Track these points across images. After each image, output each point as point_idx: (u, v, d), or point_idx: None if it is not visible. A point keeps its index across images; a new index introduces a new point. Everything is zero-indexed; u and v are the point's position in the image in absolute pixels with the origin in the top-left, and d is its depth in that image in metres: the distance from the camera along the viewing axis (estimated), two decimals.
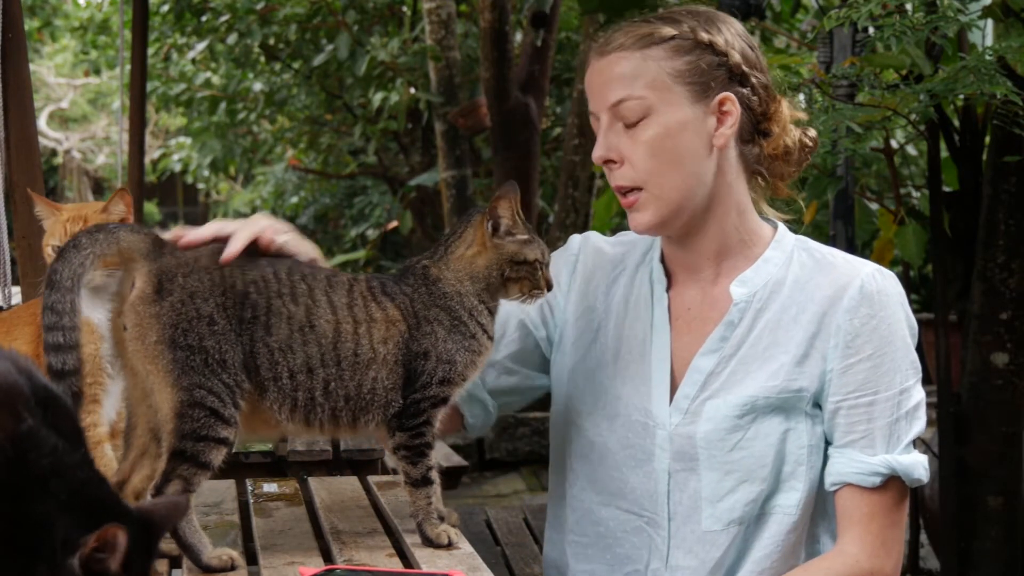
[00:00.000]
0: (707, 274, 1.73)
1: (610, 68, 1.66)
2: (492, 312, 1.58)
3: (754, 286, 1.70)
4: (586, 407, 1.77)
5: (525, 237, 1.57)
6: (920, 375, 1.69)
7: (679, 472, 1.69)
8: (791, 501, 1.66)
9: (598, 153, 1.67)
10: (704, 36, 1.66)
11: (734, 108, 1.66)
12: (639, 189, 1.66)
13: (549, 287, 1.60)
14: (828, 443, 1.69)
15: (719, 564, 1.67)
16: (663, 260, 1.78)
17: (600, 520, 1.76)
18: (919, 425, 1.67)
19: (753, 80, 1.69)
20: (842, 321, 1.65)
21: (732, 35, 1.69)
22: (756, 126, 1.71)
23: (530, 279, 1.57)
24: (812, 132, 1.77)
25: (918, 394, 1.67)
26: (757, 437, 1.65)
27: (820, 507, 1.71)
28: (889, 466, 1.63)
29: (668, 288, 1.76)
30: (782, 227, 1.76)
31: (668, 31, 1.65)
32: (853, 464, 1.64)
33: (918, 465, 1.65)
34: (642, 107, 1.63)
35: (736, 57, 1.67)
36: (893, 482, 1.65)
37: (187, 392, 1.40)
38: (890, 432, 1.65)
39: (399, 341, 1.51)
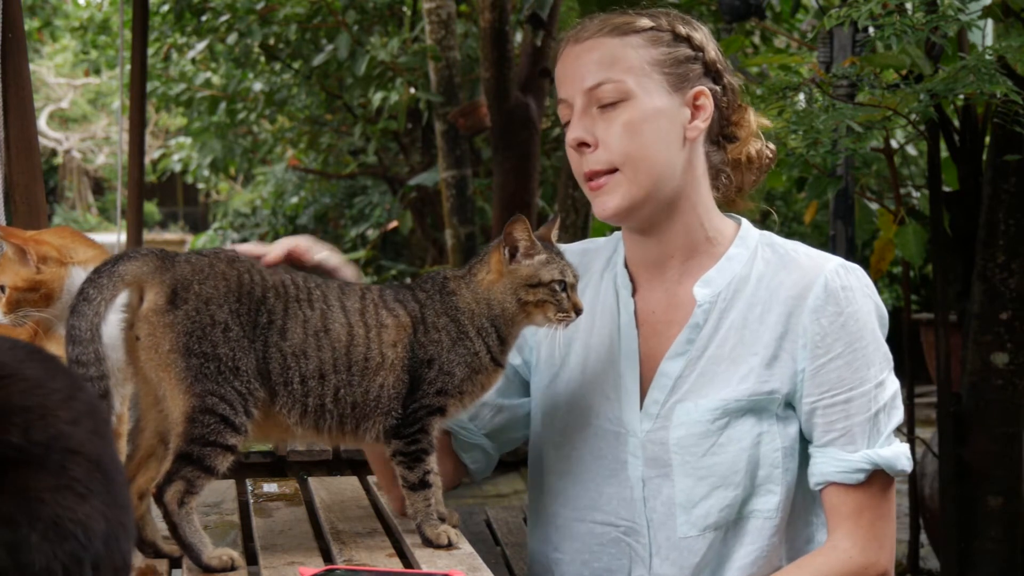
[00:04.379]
0: (672, 274, 1.73)
1: (587, 53, 1.66)
2: (505, 339, 1.57)
3: (717, 286, 1.69)
4: (559, 422, 1.77)
5: (543, 258, 1.55)
6: (891, 365, 1.69)
7: (653, 479, 1.68)
8: (770, 505, 1.65)
9: (574, 135, 1.65)
10: (682, 30, 1.68)
11: (708, 103, 1.68)
12: (611, 172, 1.64)
13: (578, 311, 1.55)
14: (808, 442, 1.68)
15: (698, 570, 1.66)
16: (627, 265, 1.77)
17: (575, 536, 1.75)
18: (897, 416, 1.66)
19: (725, 80, 1.71)
20: (809, 322, 1.64)
21: (704, 35, 1.72)
22: (722, 129, 1.73)
23: (552, 302, 1.54)
24: (772, 145, 1.78)
25: (892, 385, 1.67)
26: (730, 442, 1.64)
27: (811, 506, 1.71)
28: (871, 461, 1.63)
29: (633, 293, 1.75)
30: (745, 223, 1.76)
31: (646, 22, 1.67)
32: (835, 463, 1.64)
33: (900, 456, 1.65)
34: (620, 91, 1.63)
35: (712, 53, 1.70)
36: (877, 475, 1.64)
37: (199, 398, 1.40)
38: (870, 427, 1.64)
39: (407, 345, 1.52)
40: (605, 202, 1.66)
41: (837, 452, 1.64)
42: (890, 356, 1.68)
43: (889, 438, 1.65)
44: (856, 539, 1.63)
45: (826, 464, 1.64)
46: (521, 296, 1.54)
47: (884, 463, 1.63)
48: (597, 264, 1.81)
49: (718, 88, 1.70)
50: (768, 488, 1.65)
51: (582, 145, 1.65)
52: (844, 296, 1.64)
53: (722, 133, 1.74)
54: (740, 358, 1.66)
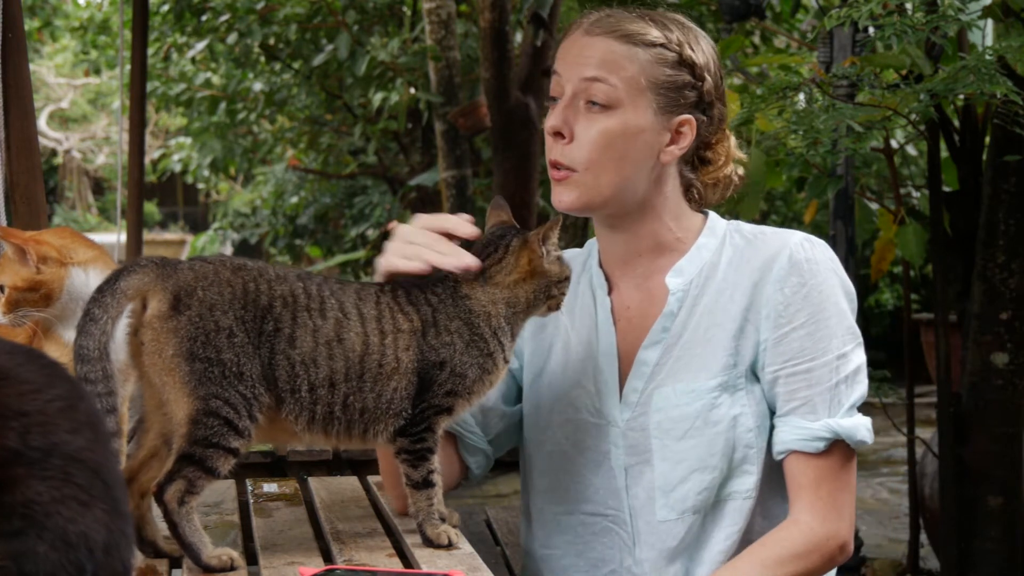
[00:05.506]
0: (642, 270, 1.75)
1: (595, 47, 1.67)
2: (515, 336, 1.58)
3: (689, 274, 1.72)
4: (543, 421, 1.79)
5: (558, 254, 1.59)
6: (859, 340, 1.70)
7: (634, 466, 1.71)
8: (747, 485, 1.68)
9: (552, 123, 1.68)
10: (689, 54, 1.69)
11: (690, 132, 1.70)
12: (574, 170, 1.67)
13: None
14: (773, 414, 1.70)
15: (675, 553, 1.69)
16: (602, 266, 1.80)
17: (566, 529, 1.77)
18: (860, 389, 1.68)
19: (715, 111, 1.73)
20: (772, 292, 1.67)
21: (709, 58, 1.72)
22: (698, 152, 1.76)
23: (562, 295, 1.60)
24: (741, 171, 1.82)
25: (857, 359, 1.69)
26: (706, 425, 1.66)
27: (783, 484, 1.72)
28: (831, 430, 1.64)
29: (609, 292, 1.78)
30: (713, 214, 1.79)
31: (658, 36, 1.68)
32: (796, 431, 1.66)
33: (860, 427, 1.66)
34: (612, 95, 1.65)
35: (709, 85, 1.71)
36: (837, 446, 1.66)
37: (203, 401, 1.40)
38: (831, 397, 1.66)
39: (419, 347, 1.52)
40: (561, 194, 1.69)
41: (798, 420, 1.66)
42: (857, 332, 1.70)
43: (850, 410, 1.67)
44: (816, 511, 1.65)
45: (787, 432, 1.67)
46: (552, 292, 1.58)
47: (844, 432, 1.65)
48: (574, 270, 1.83)
49: (705, 119, 1.72)
50: (745, 469, 1.67)
51: (557, 135, 1.68)
52: (808, 268, 1.67)
53: (698, 156, 1.76)
54: (714, 339, 1.69)
